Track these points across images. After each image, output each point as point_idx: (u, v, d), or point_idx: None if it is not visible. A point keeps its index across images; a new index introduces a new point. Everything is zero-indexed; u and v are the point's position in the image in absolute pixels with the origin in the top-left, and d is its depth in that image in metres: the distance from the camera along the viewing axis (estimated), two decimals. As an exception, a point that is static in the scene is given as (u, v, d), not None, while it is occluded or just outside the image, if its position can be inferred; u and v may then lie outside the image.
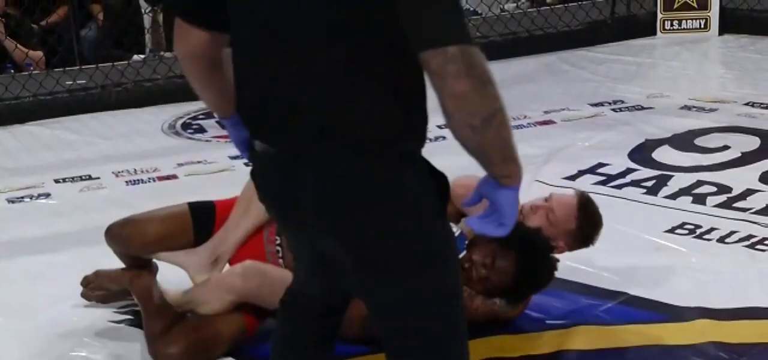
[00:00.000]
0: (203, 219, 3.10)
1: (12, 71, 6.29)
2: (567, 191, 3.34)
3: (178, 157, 4.98)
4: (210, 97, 2.13)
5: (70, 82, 5.94)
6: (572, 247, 3.16)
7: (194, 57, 2.05)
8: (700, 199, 4.09)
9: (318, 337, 2.27)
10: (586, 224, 3.13)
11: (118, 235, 3.11)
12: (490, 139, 1.81)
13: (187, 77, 2.10)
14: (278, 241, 3.00)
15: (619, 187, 4.30)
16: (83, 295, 3.28)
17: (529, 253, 2.84)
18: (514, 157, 1.86)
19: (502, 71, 6.21)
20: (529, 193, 3.31)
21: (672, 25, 6.93)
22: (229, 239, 3.02)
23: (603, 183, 4.34)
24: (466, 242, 2.87)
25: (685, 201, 4.10)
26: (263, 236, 3.02)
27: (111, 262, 3.81)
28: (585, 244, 3.18)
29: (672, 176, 4.36)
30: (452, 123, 1.79)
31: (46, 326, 3.23)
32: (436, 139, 5.04)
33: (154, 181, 4.72)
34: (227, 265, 3.02)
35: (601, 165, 4.55)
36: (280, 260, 2.99)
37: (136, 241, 3.07)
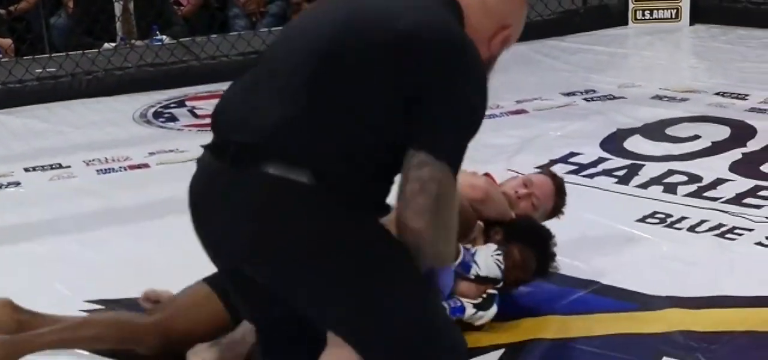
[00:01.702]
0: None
1: (-19, 59, 6.24)
2: (540, 175, 3.49)
3: (149, 146, 4.95)
4: None
5: (40, 70, 5.89)
6: (543, 220, 3.31)
7: None
8: (671, 189, 4.11)
9: None
10: (560, 203, 3.37)
11: (155, 344, 2.84)
12: (426, 249, 1.96)
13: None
14: None
15: (591, 176, 4.31)
16: None
17: (543, 246, 3.10)
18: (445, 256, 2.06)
19: (474, 60, 6.25)
20: (502, 181, 3.38)
21: (644, 15, 6.96)
22: None
23: (575, 172, 4.35)
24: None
25: (656, 190, 4.12)
26: None
27: (81, 250, 3.80)
28: (553, 216, 3.37)
29: (643, 166, 4.38)
30: (401, 219, 1.92)
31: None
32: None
33: (125, 169, 4.69)
34: None
35: (573, 154, 4.56)
36: None
37: (176, 345, 2.85)
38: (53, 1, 7.10)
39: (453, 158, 1.93)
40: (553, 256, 3.13)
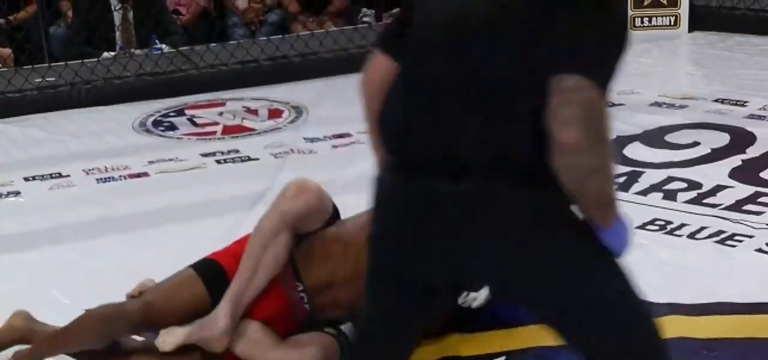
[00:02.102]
0: (216, 283, 2.92)
1: (-20, 69, 6.24)
2: None
3: (149, 155, 4.95)
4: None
5: (39, 80, 5.89)
6: None
7: (382, 85, 2.15)
8: (670, 196, 4.12)
9: None
10: None
11: (137, 321, 2.88)
12: (587, 191, 1.94)
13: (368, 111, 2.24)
14: (300, 287, 2.93)
15: (590, 183, 4.31)
16: None
17: None
18: (611, 205, 2.02)
19: (473, 68, 6.25)
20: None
21: (642, 22, 6.96)
22: (246, 296, 2.87)
23: (574, 179, 4.34)
24: None
25: (656, 197, 4.12)
26: (281, 284, 2.92)
27: (80, 259, 3.80)
28: None
29: (643, 172, 4.39)
30: (557, 141, 1.87)
31: (15, 325, 3.20)
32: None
33: (125, 179, 4.69)
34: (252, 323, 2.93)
35: (573, 162, 4.55)
36: (306, 306, 2.93)
37: (159, 325, 2.89)
38: (52, 11, 7.10)
39: (603, 78, 1.94)
40: None
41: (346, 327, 2.95)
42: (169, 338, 2.81)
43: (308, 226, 2.94)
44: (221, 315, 2.82)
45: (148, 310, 2.85)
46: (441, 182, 2.00)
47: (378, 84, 2.18)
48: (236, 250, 2.98)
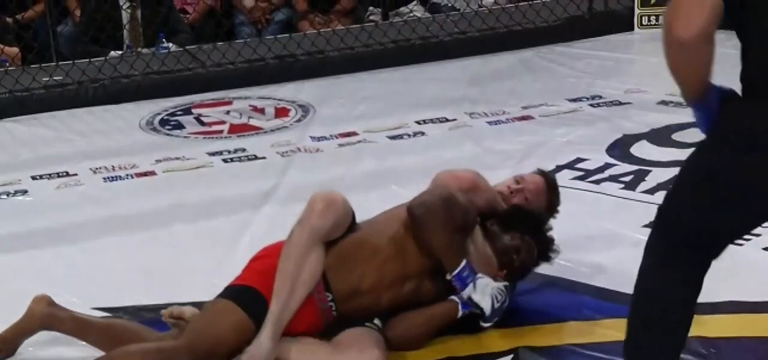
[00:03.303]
0: (256, 308, 2.88)
1: (-12, 68, 6.24)
2: (531, 173, 3.52)
3: (156, 154, 4.96)
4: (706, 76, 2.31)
5: (47, 79, 5.89)
6: None
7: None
8: (677, 194, 4.10)
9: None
10: (554, 200, 3.43)
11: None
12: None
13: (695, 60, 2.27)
14: (330, 297, 2.94)
15: (597, 182, 4.31)
16: None
17: (537, 230, 3.16)
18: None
19: (480, 67, 6.26)
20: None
21: (650, 20, 6.95)
22: (286, 315, 2.86)
23: (581, 178, 4.35)
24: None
25: (663, 196, 4.10)
26: (314, 297, 2.92)
27: (88, 258, 3.81)
28: (550, 215, 3.40)
29: (650, 171, 4.38)
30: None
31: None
32: (415, 135, 5.08)
33: (132, 177, 4.70)
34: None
35: (580, 160, 4.56)
36: (334, 314, 2.95)
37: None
38: (60, 10, 7.10)
39: None
40: (551, 240, 3.16)
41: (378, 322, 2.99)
42: None
43: (334, 235, 2.96)
44: (264, 339, 2.82)
45: (196, 351, 2.81)
46: None
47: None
48: (259, 268, 2.97)
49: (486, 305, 2.97)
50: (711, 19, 2.21)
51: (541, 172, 3.51)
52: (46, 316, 3.04)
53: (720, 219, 2.27)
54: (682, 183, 2.33)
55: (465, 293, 2.96)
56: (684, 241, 2.30)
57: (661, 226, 2.35)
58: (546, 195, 3.40)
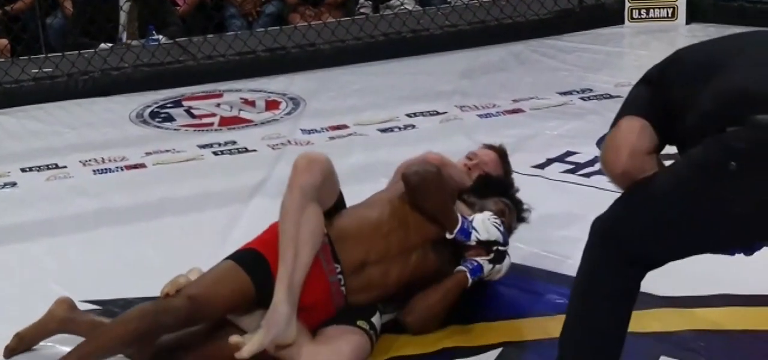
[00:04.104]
0: (257, 268, 2.86)
1: (-23, 59, 6.23)
2: (480, 148, 3.64)
3: (146, 146, 4.95)
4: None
5: (36, 71, 5.87)
6: None
7: None
8: (667, 188, 4.11)
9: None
10: (508, 169, 3.56)
11: (185, 316, 2.78)
12: None
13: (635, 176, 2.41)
14: (338, 269, 2.93)
15: (588, 175, 4.31)
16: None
17: (509, 191, 3.38)
18: None
19: (471, 60, 6.26)
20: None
21: (640, 14, 6.96)
22: (296, 277, 2.82)
23: (572, 171, 4.36)
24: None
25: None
26: (322, 266, 2.90)
27: (77, 250, 3.80)
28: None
29: (640, 164, 4.38)
30: None
31: (15, 317, 3.20)
32: (406, 128, 5.08)
33: (122, 170, 4.68)
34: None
35: (570, 153, 4.56)
36: (342, 289, 2.94)
37: (206, 318, 2.85)
38: (50, 1, 7.09)
39: None
40: (521, 201, 3.36)
41: (376, 319, 2.97)
42: (247, 346, 2.72)
43: (326, 197, 2.96)
44: (280, 304, 2.77)
45: (194, 304, 2.77)
46: None
47: None
48: (263, 238, 2.97)
49: (497, 235, 3.06)
50: (631, 159, 2.41)
51: (488, 146, 3.62)
52: (64, 320, 3.02)
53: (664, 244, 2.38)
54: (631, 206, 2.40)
55: (473, 239, 3.03)
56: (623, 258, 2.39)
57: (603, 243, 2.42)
58: (501, 163, 3.54)
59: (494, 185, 3.34)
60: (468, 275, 3.04)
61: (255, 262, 2.87)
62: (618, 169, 2.42)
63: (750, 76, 2.25)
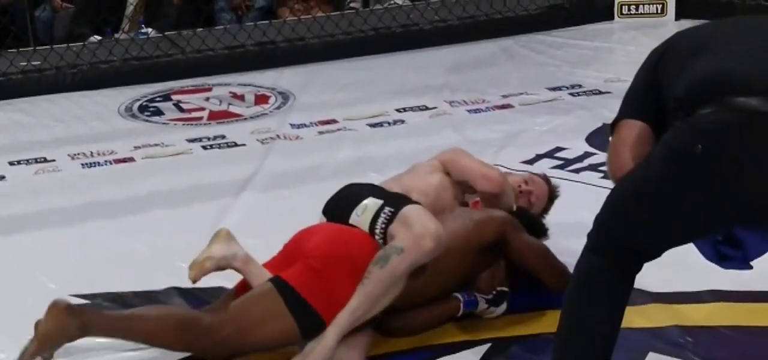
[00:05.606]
0: (311, 328, 2.80)
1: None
2: (538, 177, 3.63)
3: (135, 140, 4.94)
4: None
5: (24, 64, 5.85)
6: None
7: None
8: (656, 183, 4.12)
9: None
10: (548, 208, 3.58)
11: (221, 342, 2.77)
12: None
13: None
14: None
15: (577, 171, 4.32)
16: None
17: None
18: None
19: (460, 55, 6.26)
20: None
21: (629, 9, 6.97)
22: (352, 325, 2.80)
23: (561, 167, 4.36)
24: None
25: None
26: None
27: (66, 244, 3.79)
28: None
29: (629, 160, 4.39)
30: None
31: (3, 310, 3.20)
32: (395, 122, 5.08)
33: (111, 164, 4.67)
34: None
35: (559, 149, 4.57)
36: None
37: (240, 353, 2.82)
38: (38, -6, 7.07)
39: None
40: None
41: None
42: None
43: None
44: (330, 340, 2.76)
45: (236, 339, 2.76)
46: None
47: None
48: (322, 276, 2.82)
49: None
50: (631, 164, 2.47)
51: (546, 179, 3.64)
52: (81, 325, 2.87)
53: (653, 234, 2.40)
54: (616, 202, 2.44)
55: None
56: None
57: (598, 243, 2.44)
58: (545, 203, 3.56)
59: (530, 226, 3.25)
60: (461, 306, 3.03)
61: (311, 322, 2.79)
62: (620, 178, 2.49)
63: (723, 61, 2.27)
